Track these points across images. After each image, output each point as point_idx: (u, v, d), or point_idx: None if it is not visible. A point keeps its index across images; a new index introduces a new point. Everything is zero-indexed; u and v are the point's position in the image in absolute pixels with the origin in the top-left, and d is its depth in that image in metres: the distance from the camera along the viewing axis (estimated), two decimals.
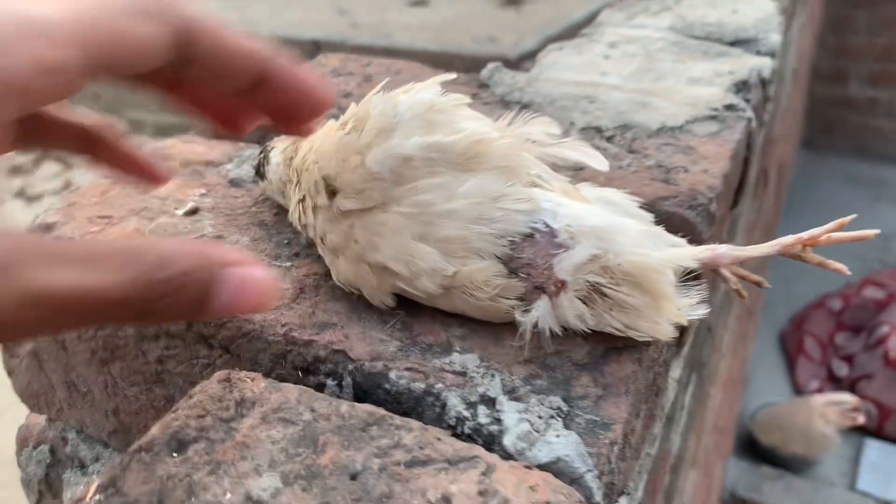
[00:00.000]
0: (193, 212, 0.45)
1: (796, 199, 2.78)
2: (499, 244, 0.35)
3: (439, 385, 0.34)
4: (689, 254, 0.38)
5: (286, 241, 0.43)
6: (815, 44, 2.54)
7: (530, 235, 0.36)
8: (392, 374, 0.35)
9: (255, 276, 0.27)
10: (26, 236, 0.23)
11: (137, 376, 0.42)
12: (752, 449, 1.99)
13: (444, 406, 0.34)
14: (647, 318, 0.36)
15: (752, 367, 2.16)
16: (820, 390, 2.13)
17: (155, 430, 0.31)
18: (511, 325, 0.38)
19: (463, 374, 0.35)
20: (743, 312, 1.41)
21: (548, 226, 0.36)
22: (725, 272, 0.40)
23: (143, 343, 0.40)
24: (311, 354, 0.36)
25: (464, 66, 0.64)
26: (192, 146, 0.52)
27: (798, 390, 2.17)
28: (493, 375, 0.35)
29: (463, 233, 0.35)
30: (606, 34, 0.74)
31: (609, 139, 0.54)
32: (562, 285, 0.35)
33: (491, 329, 0.37)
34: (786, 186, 2.38)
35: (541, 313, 0.36)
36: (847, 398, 1.96)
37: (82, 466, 0.47)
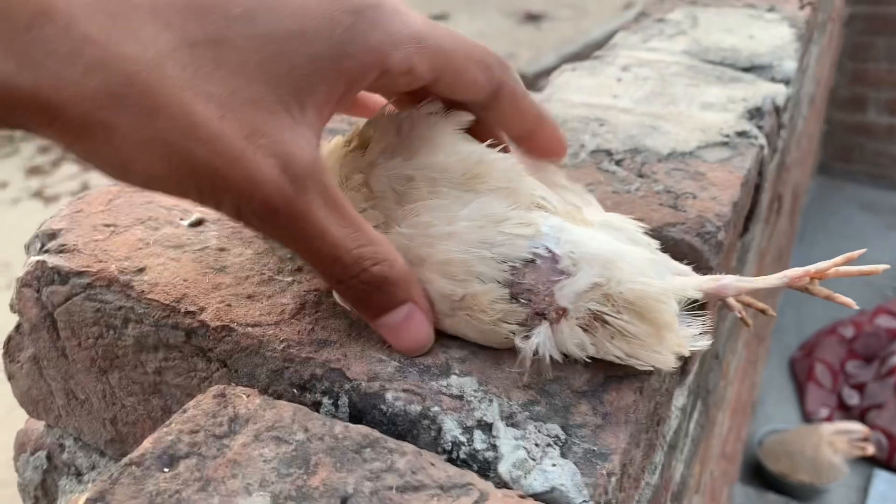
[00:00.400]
0: (198, 223, 0.45)
1: (810, 225, 2.76)
2: (500, 269, 0.35)
3: (436, 408, 0.34)
4: (693, 283, 0.38)
5: (289, 256, 0.43)
6: (833, 69, 2.53)
7: (532, 261, 0.35)
8: (388, 396, 0.34)
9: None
10: (327, 177, 0.31)
11: (135, 386, 0.42)
12: (759, 476, 1.97)
13: (439, 430, 0.33)
14: (649, 348, 0.35)
15: (760, 392, 2.14)
16: (829, 418, 2.11)
17: (147, 443, 0.31)
18: (511, 350, 0.37)
19: (460, 397, 0.34)
20: (752, 337, 1.40)
21: (550, 251, 0.35)
22: (731, 301, 0.40)
23: (142, 353, 0.40)
24: (308, 372, 0.36)
25: None
26: None
27: (807, 418, 2.15)
28: (490, 400, 0.34)
29: (464, 256, 0.35)
30: (620, 56, 0.74)
31: (619, 162, 0.54)
32: (563, 312, 0.35)
33: (491, 353, 0.37)
34: (800, 212, 2.37)
35: (541, 340, 0.35)
36: (857, 427, 1.94)
37: (78, 474, 0.47)
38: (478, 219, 0.35)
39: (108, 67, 0.24)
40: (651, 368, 0.36)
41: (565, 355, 0.36)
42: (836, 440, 1.90)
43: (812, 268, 0.38)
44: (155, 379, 0.41)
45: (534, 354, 0.35)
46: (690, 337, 0.36)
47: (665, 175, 0.52)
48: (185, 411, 0.33)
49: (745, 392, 1.56)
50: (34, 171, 4.89)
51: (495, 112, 0.37)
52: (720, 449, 1.17)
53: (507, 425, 0.34)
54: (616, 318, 0.35)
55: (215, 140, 0.27)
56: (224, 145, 0.27)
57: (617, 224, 0.39)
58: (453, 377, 0.35)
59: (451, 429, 0.33)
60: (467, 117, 0.37)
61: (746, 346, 1.26)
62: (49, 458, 0.48)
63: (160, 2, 0.26)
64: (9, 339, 0.46)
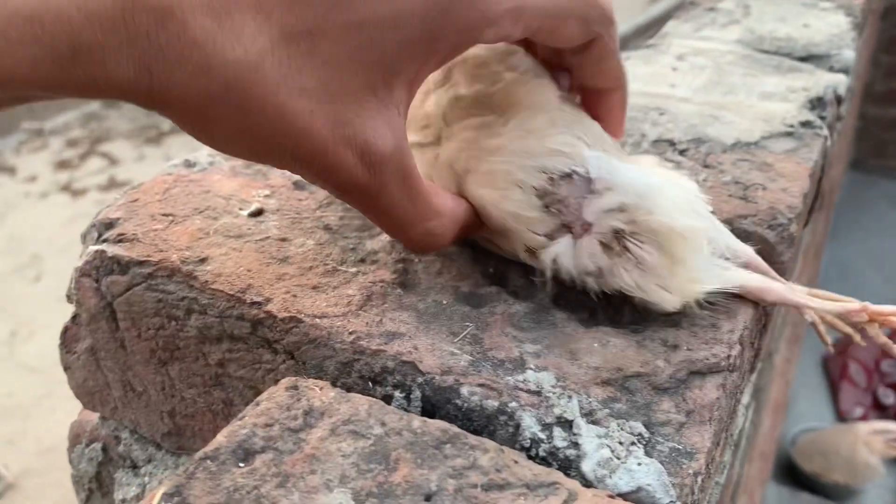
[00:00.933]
0: (258, 213, 0.44)
1: (843, 222, 2.72)
2: (537, 177, 0.36)
3: (513, 404, 0.33)
4: (738, 278, 0.37)
5: (352, 247, 0.42)
6: (868, 63, 2.48)
7: (569, 175, 0.36)
8: (463, 390, 0.33)
9: None
10: (406, 159, 0.32)
11: (196, 378, 0.41)
12: (792, 475, 1.94)
13: (517, 426, 0.32)
14: (659, 282, 0.36)
15: (793, 391, 2.11)
16: (864, 418, 2.07)
17: (221, 437, 0.30)
18: (587, 341, 0.36)
19: (538, 393, 0.33)
20: (792, 336, 1.38)
21: (587, 171, 0.36)
22: (813, 317, 0.39)
23: (204, 345, 0.39)
24: (379, 365, 0.35)
25: None
26: None
27: (841, 417, 2.11)
28: (569, 396, 0.33)
29: (505, 167, 0.36)
30: (674, 45, 0.72)
31: (682, 153, 0.52)
32: (587, 228, 0.36)
33: (567, 347, 0.35)
34: (833, 207, 2.32)
35: (561, 249, 0.36)
36: (893, 427, 1.90)
37: (134, 467, 0.46)
38: (521, 131, 0.36)
39: (210, 72, 0.26)
40: (655, 305, 0.36)
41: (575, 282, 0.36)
42: (873, 440, 1.87)
43: (876, 308, 0.37)
44: (217, 371, 0.40)
45: (553, 263, 0.36)
46: (705, 284, 0.36)
47: (732, 166, 0.51)
48: (257, 404, 0.32)
49: (782, 391, 1.53)
50: (62, 164, 4.93)
51: (580, 60, 0.37)
52: (760, 448, 1.15)
53: (588, 422, 0.32)
54: (635, 243, 0.35)
55: (303, 135, 0.28)
56: (310, 140, 0.28)
57: (679, 181, 0.38)
58: (529, 372, 0.34)
59: (529, 425, 0.32)
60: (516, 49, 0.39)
61: (787, 344, 1.24)
62: (104, 450, 0.47)
63: None
64: (65, 330, 0.45)
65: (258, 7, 0.26)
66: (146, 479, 0.45)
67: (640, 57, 0.69)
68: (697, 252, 0.36)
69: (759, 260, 0.40)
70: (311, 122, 0.28)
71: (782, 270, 0.46)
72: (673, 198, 0.36)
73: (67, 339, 0.45)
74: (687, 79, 0.64)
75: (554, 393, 0.33)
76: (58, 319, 0.45)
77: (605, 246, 0.36)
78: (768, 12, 0.81)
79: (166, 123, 5.14)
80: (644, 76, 0.65)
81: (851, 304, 0.38)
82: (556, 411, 0.32)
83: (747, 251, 0.40)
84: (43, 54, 0.23)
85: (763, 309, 0.42)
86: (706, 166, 0.51)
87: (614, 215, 0.35)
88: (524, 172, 0.36)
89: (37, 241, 4.16)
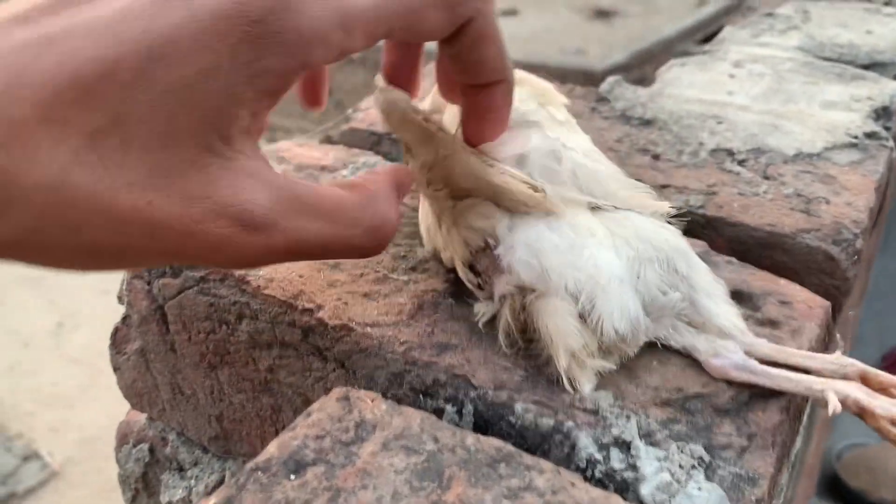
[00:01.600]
0: None
1: (893, 234, 2.64)
2: (465, 249, 0.36)
3: (569, 423, 0.32)
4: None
5: (402, 254, 0.41)
6: None
7: (484, 248, 0.35)
8: (518, 407, 0.32)
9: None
10: (288, 189, 0.27)
11: (245, 383, 0.41)
12: (837, 491, 1.89)
13: (573, 447, 0.31)
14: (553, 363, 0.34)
15: None
16: None
17: (272, 448, 0.30)
18: (646, 359, 0.35)
19: (595, 412, 0.32)
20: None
21: (495, 249, 0.35)
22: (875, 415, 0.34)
23: (254, 350, 0.39)
24: (431, 377, 0.34)
25: (550, 77, 0.62)
26: (306, 150, 0.51)
27: None
28: (628, 417, 0.32)
29: (452, 236, 0.37)
30: (731, 52, 0.70)
31: (742, 163, 0.51)
32: (502, 301, 0.35)
33: (625, 365, 0.34)
34: (885, 219, 2.26)
35: (486, 310, 0.36)
36: None
37: (181, 469, 0.46)
38: (461, 206, 0.36)
39: (15, 208, 0.22)
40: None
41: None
42: None
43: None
44: (266, 377, 0.40)
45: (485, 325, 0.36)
46: (588, 378, 0.34)
47: (793, 177, 0.49)
48: (309, 414, 0.31)
49: None
50: None
51: (454, 49, 0.32)
52: (808, 464, 1.12)
53: (647, 444, 0.31)
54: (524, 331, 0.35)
55: (156, 229, 0.25)
56: (166, 230, 0.25)
57: (645, 235, 0.35)
58: (592, 390, 0.33)
59: (585, 445, 0.31)
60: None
61: None
62: (151, 451, 0.48)
63: (50, 102, 0.22)
64: (116, 331, 0.45)
65: (48, 119, 0.22)
66: (192, 482, 0.45)
67: (696, 63, 0.68)
68: (571, 353, 0.33)
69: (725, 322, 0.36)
70: (158, 213, 0.24)
71: (846, 288, 0.44)
72: (567, 285, 0.33)
73: (118, 340, 0.45)
74: (745, 86, 0.62)
75: (612, 412, 0.32)
76: (103, 312, 0.45)
77: (515, 316, 0.35)
78: (829, 18, 0.79)
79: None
80: (700, 83, 0.63)
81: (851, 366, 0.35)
82: (614, 432, 0.31)
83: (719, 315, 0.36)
84: None
85: (826, 326, 0.40)
86: (766, 177, 0.49)
87: (514, 296, 0.34)
88: (457, 245, 0.37)
89: None
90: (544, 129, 0.37)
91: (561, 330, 0.33)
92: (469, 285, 0.37)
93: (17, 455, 3.35)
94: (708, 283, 0.36)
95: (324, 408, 0.32)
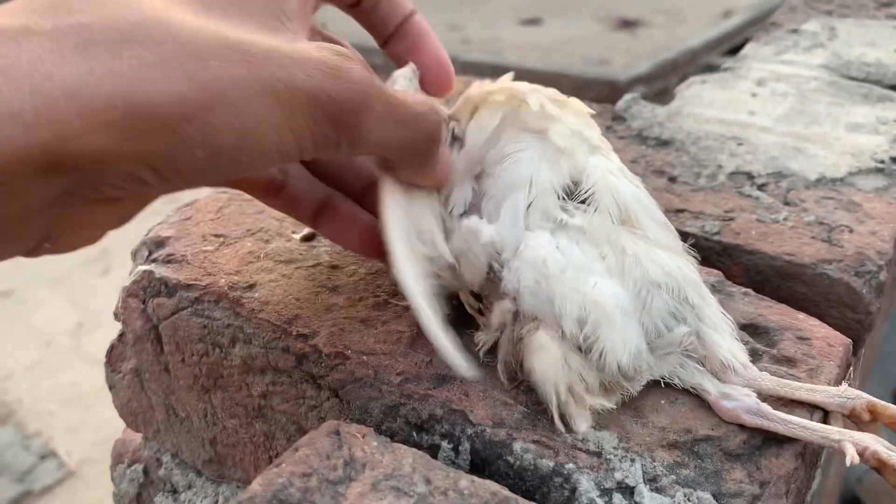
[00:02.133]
0: (311, 237, 0.42)
1: None
2: (477, 276, 0.34)
3: (570, 465, 0.30)
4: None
5: None
6: None
7: (489, 276, 0.34)
8: (516, 446, 0.31)
9: None
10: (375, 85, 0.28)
11: (239, 409, 0.39)
12: None
13: (573, 490, 0.30)
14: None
15: None
16: None
17: (256, 486, 0.28)
18: (654, 397, 0.33)
19: (598, 454, 0.30)
20: (863, 370, 1.31)
21: (499, 274, 0.33)
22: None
23: (248, 375, 0.38)
24: (427, 411, 0.33)
25: (571, 86, 0.60)
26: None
27: None
28: (632, 460, 0.30)
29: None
30: (753, 69, 0.68)
31: (761, 187, 0.49)
32: (501, 328, 0.34)
33: (631, 403, 0.33)
34: None
35: (486, 339, 0.34)
36: None
37: (174, 492, 0.45)
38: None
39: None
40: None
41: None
42: None
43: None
44: (260, 402, 0.38)
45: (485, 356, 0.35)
46: (584, 417, 0.32)
47: (815, 204, 0.47)
48: (296, 450, 0.30)
49: None
50: None
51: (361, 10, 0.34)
52: (827, 490, 1.09)
53: (652, 490, 0.30)
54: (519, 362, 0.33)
55: (269, 53, 0.26)
56: (279, 57, 0.26)
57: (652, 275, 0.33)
58: (590, 430, 0.31)
59: (587, 490, 0.30)
60: None
61: (860, 378, 1.17)
62: (146, 471, 0.46)
63: None
64: (111, 349, 0.44)
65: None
66: None
67: (717, 81, 0.66)
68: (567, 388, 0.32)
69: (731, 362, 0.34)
70: (269, 41, 0.26)
71: (869, 322, 0.42)
72: (571, 313, 0.32)
73: (113, 358, 0.44)
74: (767, 106, 0.61)
75: (615, 455, 0.30)
76: None
77: (513, 346, 0.33)
78: (856, 35, 0.76)
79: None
80: (721, 102, 0.61)
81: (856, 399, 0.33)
82: (618, 476, 0.30)
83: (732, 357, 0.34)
84: None
85: (847, 363, 0.38)
86: (787, 203, 0.47)
87: (512, 324, 0.33)
88: (470, 268, 0.35)
89: (106, 237, 4.28)
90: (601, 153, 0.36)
91: (550, 364, 0.31)
92: (469, 310, 0.36)
93: (34, 453, 3.37)
94: (717, 317, 0.35)
95: (312, 442, 0.30)
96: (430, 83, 0.35)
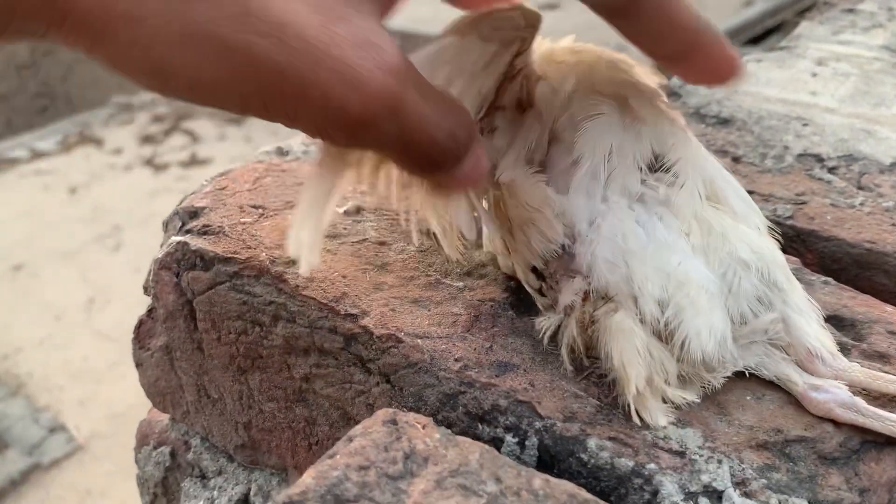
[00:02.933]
0: (356, 211, 0.40)
1: None
2: (536, 256, 0.32)
3: (651, 465, 0.27)
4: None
5: (456, 257, 0.37)
6: None
7: (560, 254, 0.31)
8: (591, 443, 0.28)
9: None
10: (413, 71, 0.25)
11: (278, 391, 0.37)
12: None
13: (655, 493, 0.27)
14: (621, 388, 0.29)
15: None
16: None
17: (309, 478, 0.26)
18: (738, 392, 0.30)
19: (682, 454, 0.28)
20: None
21: (568, 249, 0.31)
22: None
23: (290, 356, 0.35)
24: (489, 402, 0.30)
25: None
26: None
27: None
28: (719, 461, 0.27)
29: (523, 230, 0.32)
30: (810, 49, 0.65)
31: (832, 170, 0.46)
32: (569, 311, 0.31)
33: (714, 398, 0.30)
34: None
35: (549, 324, 0.31)
36: None
37: (203, 477, 0.43)
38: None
39: None
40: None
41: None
42: None
43: None
44: (301, 385, 0.36)
45: (548, 340, 0.32)
46: (663, 411, 0.29)
47: (892, 189, 0.44)
48: (350, 440, 0.27)
49: None
50: (147, 139, 5.06)
51: (634, 20, 0.28)
52: None
53: (742, 494, 0.27)
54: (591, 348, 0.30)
55: (282, 30, 0.21)
56: (298, 36, 0.22)
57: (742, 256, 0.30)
58: (671, 427, 0.29)
59: (670, 493, 0.27)
60: None
61: None
62: (173, 455, 0.44)
63: None
64: (140, 324, 0.42)
65: None
66: (215, 492, 0.41)
67: (773, 60, 0.62)
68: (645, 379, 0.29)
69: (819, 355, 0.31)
70: (287, 12, 0.22)
71: None
72: (653, 292, 0.29)
73: (141, 335, 0.42)
74: (829, 87, 0.57)
75: (701, 455, 0.28)
76: (134, 290, 0.42)
77: (583, 329, 0.30)
78: None
79: None
80: (780, 81, 0.58)
81: None
82: (704, 479, 0.27)
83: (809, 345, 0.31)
84: None
85: None
86: (861, 188, 0.44)
87: (584, 305, 0.30)
88: (523, 247, 0.32)
89: (118, 213, 4.27)
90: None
91: (633, 350, 0.28)
92: (529, 289, 0.33)
93: (43, 426, 3.39)
94: (803, 302, 0.32)
95: (368, 432, 0.27)
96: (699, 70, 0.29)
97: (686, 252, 0.30)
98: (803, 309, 0.31)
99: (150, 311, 0.41)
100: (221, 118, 5.07)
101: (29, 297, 3.98)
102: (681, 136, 0.32)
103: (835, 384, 0.29)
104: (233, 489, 0.41)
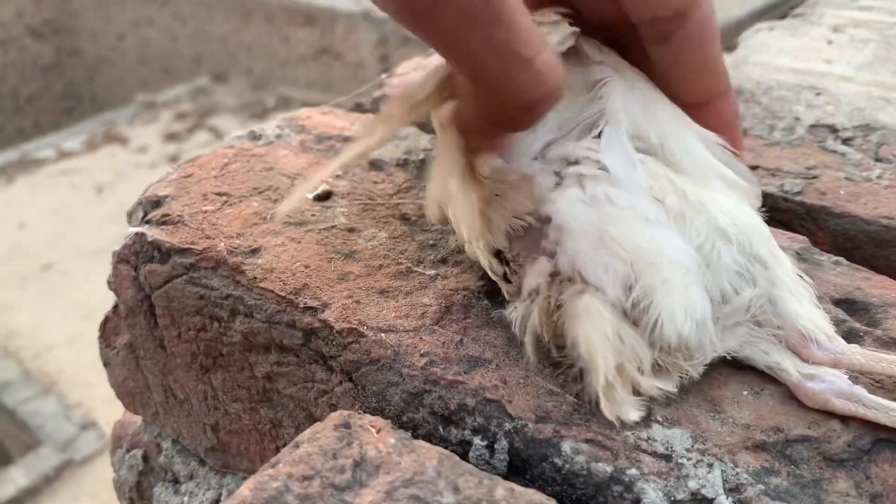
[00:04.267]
0: (325, 196, 0.37)
1: None
2: (499, 231, 0.29)
3: (633, 471, 0.24)
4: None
5: (431, 242, 0.34)
6: None
7: (528, 228, 0.28)
8: (565, 446, 0.25)
9: None
10: None
11: (241, 391, 0.34)
12: None
13: (637, 501, 0.24)
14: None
15: None
16: None
17: (245, 490, 0.23)
18: (734, 387, 0.27)
19: (667, 457, 0.25)
20: None
21: (540, 218, 0.27)
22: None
23: (250, 354, 0.33)
24: (456, 401, 0.27)
25: None
26: (330, 118, 0.45)
27: None
28: (710, 465, 0.24)
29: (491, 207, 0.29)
30: (826, 15, 0.61)
31: (847, 141, 0.42)
32: (533, 296, 0.27)
33: (707, 394, 0.27)
34: None
35: (517, 315, 0.28)
36: None
37: (175, 482, 0.40)
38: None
39: None
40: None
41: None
42: None
43: None
44: (265, 385, 0.33)
45: (513, 327, 0.29)
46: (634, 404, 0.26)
47: None
48: (297, 446, 0.25)
49: None
50: (171, 137, 5.09)
51: (674, 47, 0.28)
52: None
53: (735, 502, 0.24)
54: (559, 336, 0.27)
55: None
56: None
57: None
58: (656, 427, 0.26)
59: (653, 501, 0.24)
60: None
61: None
62: (145, 458, 0.42)
63: None
64: (105, 321, 0.40)
65: None
66: (186, 498, 0.39)
67: (786, 27, 0.58)
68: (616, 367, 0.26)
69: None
70: None
71: None
72: (619, 271, 0.26)
73: (107, 332, 0.40)
74: (846, 54, 0.53)
75: (689, 458, 0.25)
76: None
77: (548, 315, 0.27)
78: None
79: (271, 99, 5.23)
80: (792, 49, 0.54)
81: None
82: (692, 485, 0.24)
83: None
84: None
85: None
86: (879, 160, 0.41)
87: (548, 288, 0.27)
88: (493, 227, 0.29)
89: None
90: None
91: (601, 335, 0.25)
92: (493, 276, 0.30)
93: (76, 423, 3.42)
94: (792, 279, 0.28)
95: (316, 437, 0.25)
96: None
97: (658, 222, 0.26)
98: (792, 287, 0.28)
99: (115, 307, 0.39)
100: (244, 114, 5.08)
101: (58, 295, 4.03)
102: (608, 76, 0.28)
103: (833, 372, 0.26)
104: (204, 494, 0.39)
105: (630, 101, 0.28)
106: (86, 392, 3.39)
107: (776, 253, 0.28)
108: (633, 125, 0.28)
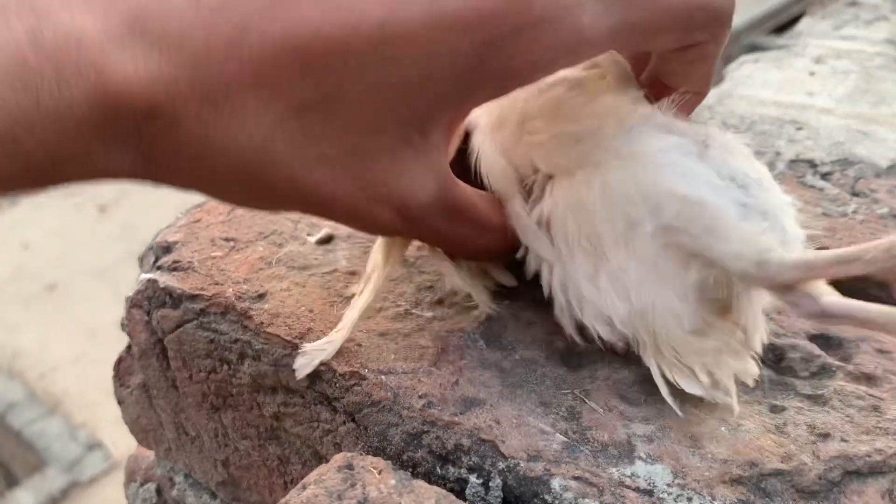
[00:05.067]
0: (327, 240, 0.39)
1: None
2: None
3: None
4: None
5: (429, 284, 0.36)
6: None
7: None
8: (555, 484, 0.27)
9: None
10: (450, 189, 0.28)
11: (250, 429, 0.36)
12: None
13: None
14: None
15: None
16: None
17: None
18: (712, 423, 0.29)
19: (650, 493, 0.26)
20: None
21: None
22: None
23: (258, 394, 0.35)
24: (453, 441, 0.29)
25: None
26: None
27: None
28: (689, 499, 0.26)
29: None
30: (810, 46, 0.63)
31: (825, 176, 0.44)
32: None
33: (686, 430, 0.29)
34: None
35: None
36: None
37: None
38: None
39: (213, 160, 0.24)
40: None
41: None
42: None
43: None
44: (272, 424, 0.35)
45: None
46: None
47: (888, 194, 0.42)
48: (304, 487, 0.26)
49: None
50: None
51: (667, 62, 0.31)
52: None
53: None
54: None
55: (327, 202, 0.26)
56: (336, 205, 0.27)
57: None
58: (639, 463, 0.27)
59: None
60: None
61: None
62: (159, 491, 0.44)
63: (266, 67, 0.23)
64: (119, 361, 0.41)
65: (260, 84, 0.23)
66: None
67: (771, 59, 0.60)
68: None
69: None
70: (335, 190, 0.26)
71: None
72: None
73: (121, 372, 0.42)
74: (828, 85, 0.55)
75: (669, 493, 0.26)
76: None
77: None
78: None
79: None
80: (776, 82, 0.56)
81: None
82: None
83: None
84: (19, 169, 0.21)
85: None
86: (855, 194, 0.42)
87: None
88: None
89: (148, 229, 4.32)
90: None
91: None
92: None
93: (81, 444, 3.43)
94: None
95: (322, 479, 0.27)
96: None
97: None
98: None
99: (129, 347, 0.41)
100: None
101: (63, 315, 4.05)
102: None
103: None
104: None
105: None
106: (91, 412, 3.40)
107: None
108: None
